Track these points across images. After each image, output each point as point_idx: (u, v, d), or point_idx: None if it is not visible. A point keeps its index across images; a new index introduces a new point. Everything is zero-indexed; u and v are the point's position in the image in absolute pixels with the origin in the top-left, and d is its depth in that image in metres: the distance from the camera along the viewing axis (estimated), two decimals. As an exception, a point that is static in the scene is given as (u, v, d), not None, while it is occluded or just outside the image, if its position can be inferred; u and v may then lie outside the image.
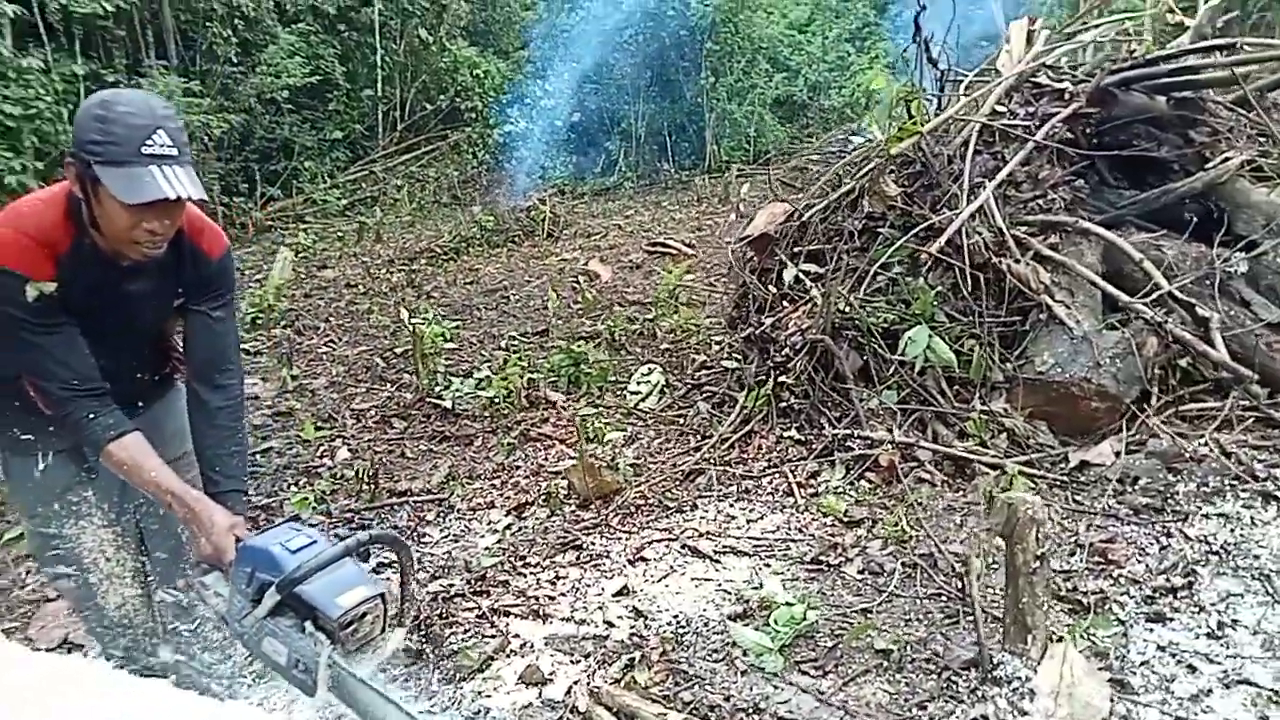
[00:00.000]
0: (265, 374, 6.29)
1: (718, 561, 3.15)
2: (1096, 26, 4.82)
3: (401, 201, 18.79)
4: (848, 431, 3.71)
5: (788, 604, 2.67)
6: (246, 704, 2.31)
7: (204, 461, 2.14)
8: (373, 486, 3.94)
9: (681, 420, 4.46)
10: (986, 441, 3.55)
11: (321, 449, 4.64)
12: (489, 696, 2.47)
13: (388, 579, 2.15)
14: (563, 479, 3.82)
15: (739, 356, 4.59)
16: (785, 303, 4.39)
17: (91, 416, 1.94)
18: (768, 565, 3.09)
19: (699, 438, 4.18)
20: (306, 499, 3.81)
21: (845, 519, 3.31)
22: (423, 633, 2.76)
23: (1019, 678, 2.20)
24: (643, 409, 4.76)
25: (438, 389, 5.11)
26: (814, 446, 3.80)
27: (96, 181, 1.79)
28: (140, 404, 2.22)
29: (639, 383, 5.12)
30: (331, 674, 1.72)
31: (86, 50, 14.46)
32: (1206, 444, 3.31)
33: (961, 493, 3.36)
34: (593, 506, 3.65)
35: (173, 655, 2.38)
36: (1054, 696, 2.08)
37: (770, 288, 4.53)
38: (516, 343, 6.29)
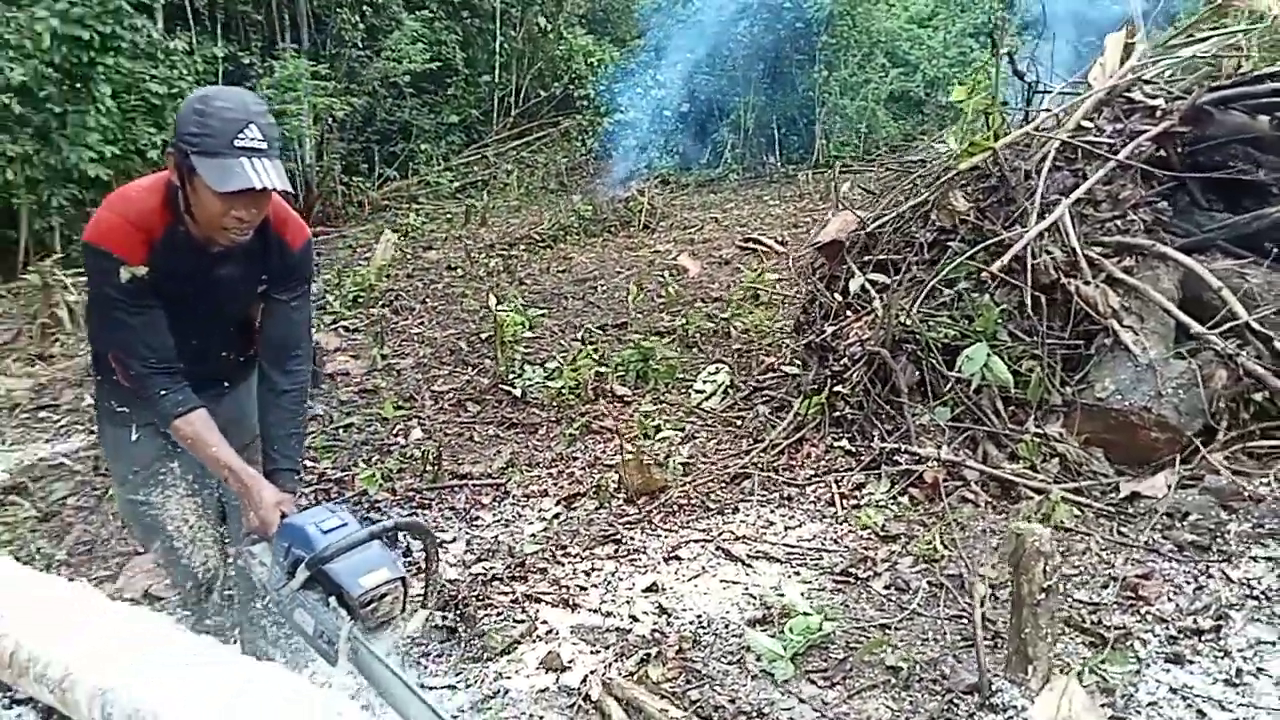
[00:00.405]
0: (358, 352, 6.66)
1: (749, 566, 3.23)
2: (1200, 41, 4.60)
3: (510, 186, 19.30)
4: (896, 446, 3.72)
5: (805, 614, 2.74)
6: (288, 670, 2.53)
7: (265, 439, 2.34)
8: (436, 468, 4.18)
9: (739, 422, 4.53)
10: (1037, 465, 3.50)
11: (397, 428, 4.91)
12: (509, 679, 2.63)
13: (413, 563, 2.33)
14: (614, 473, 3.96)
15: (799, 362, 4.62)
16: (849, 311, 4.40)
17: (164, 393, 2.15)
18: (797, 573, 3.15)
19: (751, 441, 4.24)
20: (374, 476, 4.06)
21: (881, 533, 3.33)
22: (458, 612, 2.94)
23: (1015, 707, 2.22)
24: (705, 408, 4.85)
25: (511, 376, 5.33)
26: (863, 458, 3.82)
27: (193, 171, 1.97)
28: (226, 384, 2.45)
29: (705, 381, 5.21)
30: (351, 647, 1.91)
31: (227, 34, 15.41)
32: (1269, 483, 3.19)
33: (1004, 515, 3.34)
34: (639, 502, 3.78)
35: (241, 617, 2.62)
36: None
37: (836, 295, 4.54)
38: (594, 334, 6.45)
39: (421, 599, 2.29)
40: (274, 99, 14.94)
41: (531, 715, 2.46)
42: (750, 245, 10.06)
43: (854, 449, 3.91)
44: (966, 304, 3.98)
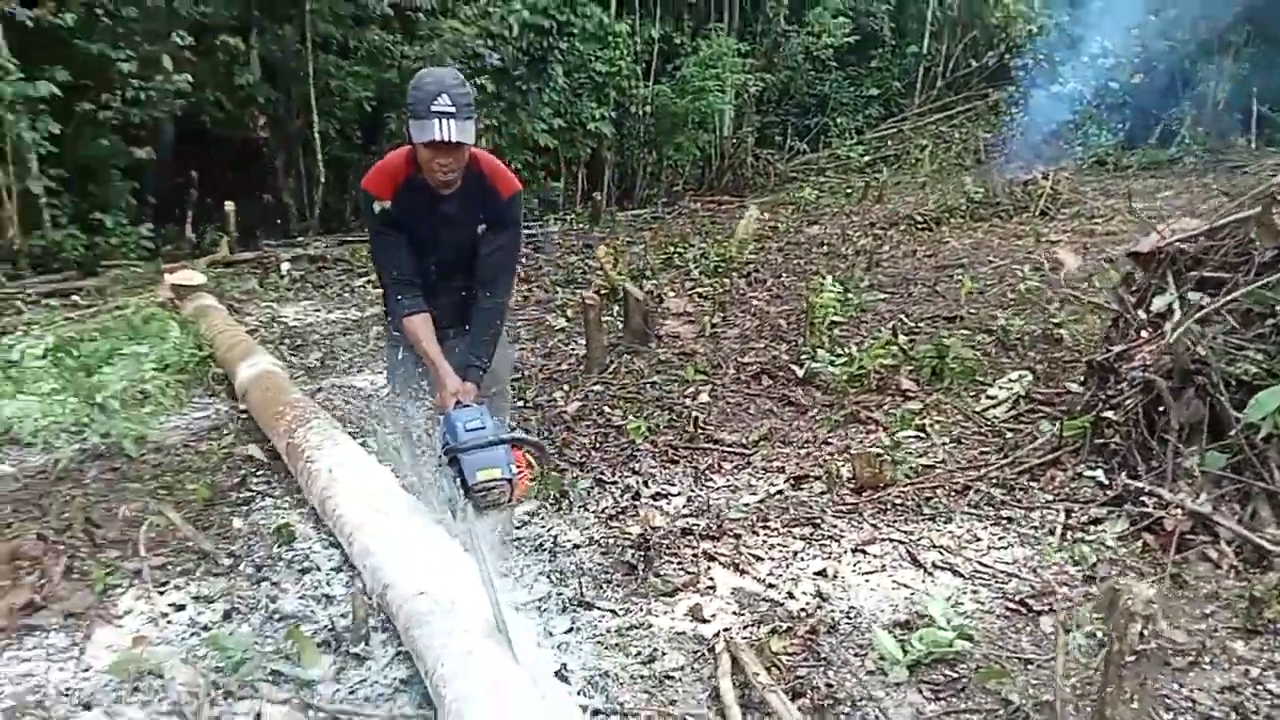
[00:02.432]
0: (697, 318, 7.31)
1: (930, 575, 3.23)
2: None
3: (921, 162, 18.83)
4: (1145, 485, 3.38)
5: (939, 628, 2.75)
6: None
7: (468, 343, 3.02)
8: (692, 430, 4.63)
9: (1010, 435, 4.33)
10: (1315, 539, 2.98)
11: (691, 390, 5.44)
12: (656, 617, 3.03)
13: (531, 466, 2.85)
14: (850, 463, 4.09)
15: (1082, 380, 4.27)
16: (1147, 330, 3.97)
17: (400, 299, 2.98)
18: (975, 593, 3.10)
19: (1003, 455, 4.07)
20: (639, 427, 4.64)
21: (1087, 572, 3.11)
22: (644, 553, 3.39)
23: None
24: (987, 416, 4.69)
25: (803, 357, 5.57)
26: (1110, 493, 3.52)
27: (409, 129, 2.73)
28: (467, 325, 3.15)
29: (1001, 387, 4.99)
30: (464, 517, 2.53)
31: (663, 16, 16.97)
32: None
33: (1246, 583, 2.92)
34: (862, 494, 3.89)
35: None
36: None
37: (1140, 312, 4.11)
38: (914, 325, 6.38)
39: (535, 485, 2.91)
40: (695, 76, 16.18)
41: (657, 650, 2.84)
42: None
43: (1106, 481, 3.60)
44: (1282, 338, 3.42)
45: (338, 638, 2.88)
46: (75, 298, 9.03)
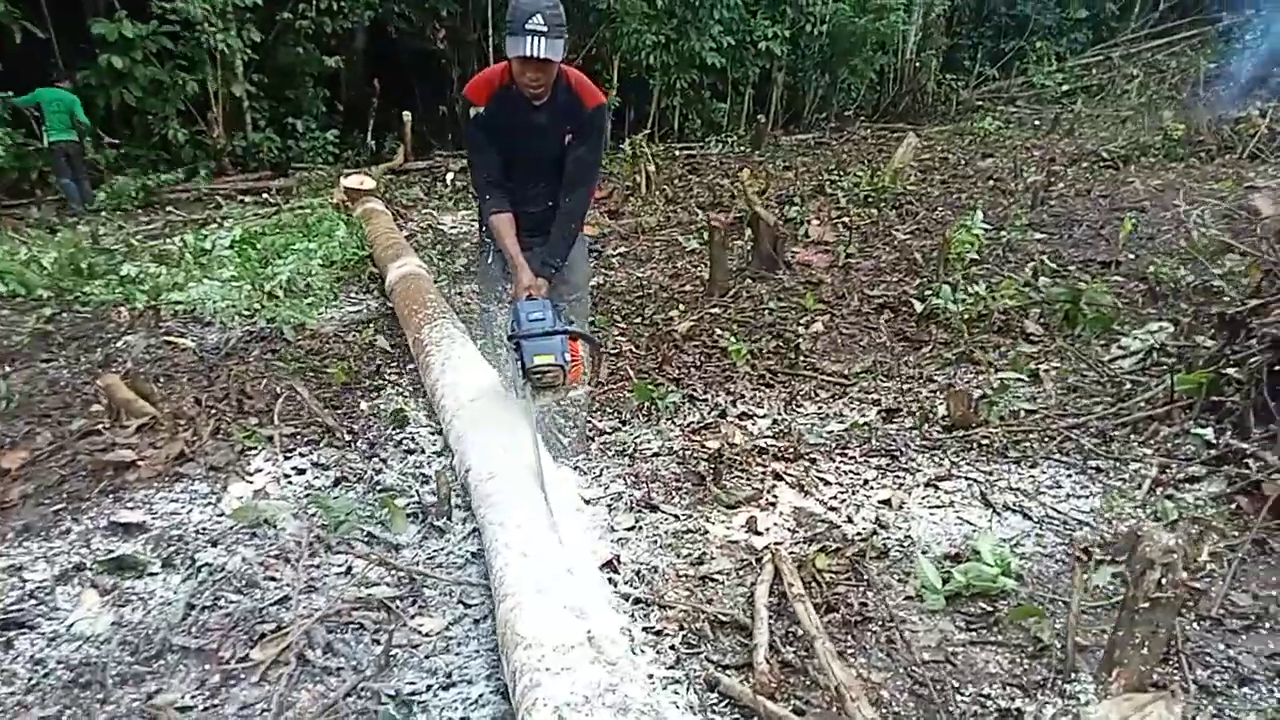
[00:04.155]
0: (833, 247, 7.21)
1: (999, 516, 3.20)
2: None
3: (1128, 93, 17.30)
4: (1251, 448, 3.17)
5: (984, 564, 2.75)
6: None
7: (547, 244, 3.28)
8: (795, 358, 4.67)
9: (1129, 386, 4.12)
10: None
11: (806, 319, 5.45)
12: (713, 524, 3.18)
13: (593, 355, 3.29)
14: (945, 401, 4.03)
15: (1212, 333, 3.97)
16: (1293, 287, 3.65)
17: (487, 198, 3.27)
18: (1039, 536, 3.06)
19: (1114, 404, 3.89)
20: (741, 350, 4.73)
21: (1163, 528, 2.99)
22: (714, 466, 3.53)
23: (1079, 699, 2.11)
24: (1113, 366, 4.46)
25: (926, 293, 5.44)
26: (1213, 452, 3.33)
27: (506, 43, 2.95)
28: (543, 234, 3.35)
29: (1137, 338, 4.72)
30: (523, 395, 2.97)
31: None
32: None
33: (1341, 560, 2.74)
34: (952, 433, 3.84)
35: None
36: (1094, 736, 2.00)
37: (1290, 266, 3.77)
38: (1058, 268, 6.05)
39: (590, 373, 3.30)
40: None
41: (707, 554, 3.00)
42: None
43: (1214, 440, 3.40)
44: None
45: (425, 511, 3.21)
46: (265, 195, 9.96)
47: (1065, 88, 18.08)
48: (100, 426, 3.87)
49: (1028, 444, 3.68)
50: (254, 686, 2.40)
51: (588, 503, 3.29)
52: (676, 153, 14.42)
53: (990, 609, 2.66)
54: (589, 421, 3.95)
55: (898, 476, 3.52)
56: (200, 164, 11.03)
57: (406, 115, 12.01)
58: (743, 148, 14.80)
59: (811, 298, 5.70)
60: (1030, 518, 3.18)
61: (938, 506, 3.29)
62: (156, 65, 10.38)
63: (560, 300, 3.31)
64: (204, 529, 3.16)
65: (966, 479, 3.46)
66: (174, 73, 10.49)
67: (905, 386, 4.43)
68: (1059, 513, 3.18)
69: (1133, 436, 3.63)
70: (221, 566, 2.90)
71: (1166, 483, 3.27)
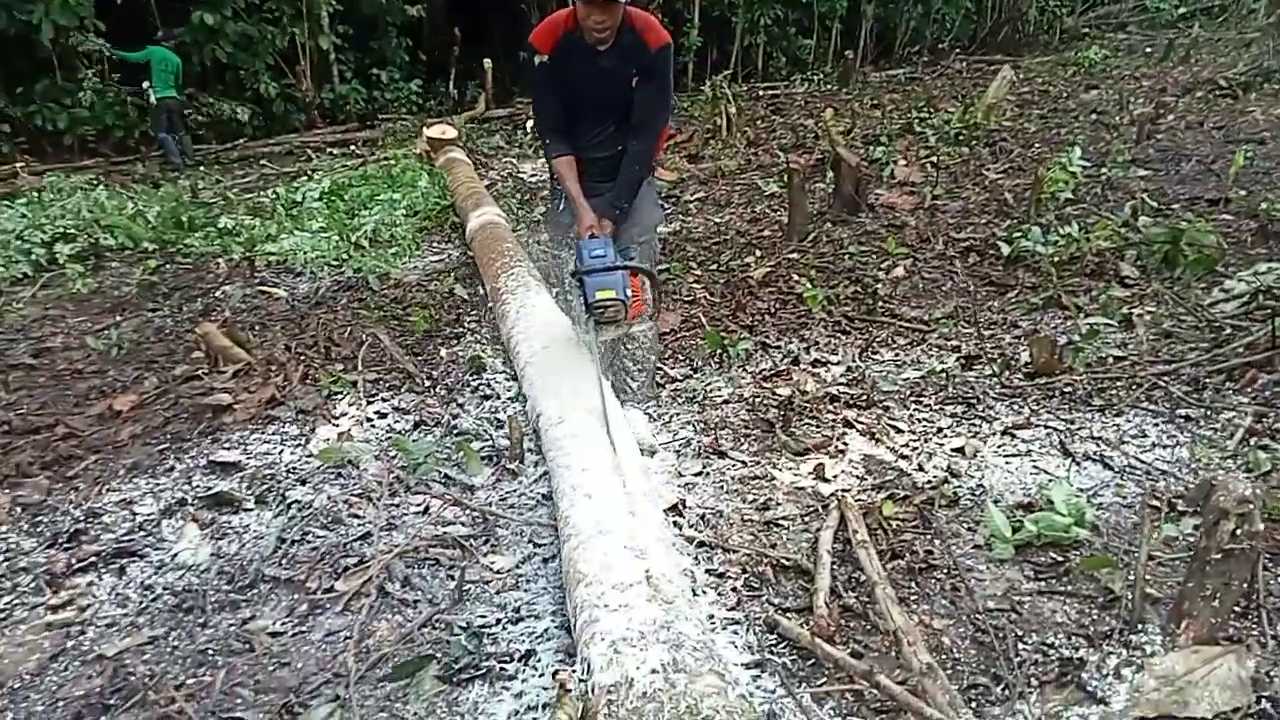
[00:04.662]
0: (918, 190, 7.00)
1: (1078, 465, 3.11)
2: None
3: (1255, 13, 16.15)
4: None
5: (1057, 513, 2.70)
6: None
7: (614, 186, 3.29)
8: (873, 303, 4.58)
9: (1231, 330, 3.92)
10: None
11: (887, 264, 5.33)
12: (780, 471, 3.19)
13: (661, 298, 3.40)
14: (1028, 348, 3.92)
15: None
16: None
17: (549, 143, 3.31)
18: (1119, 486, 2.97)
19: (1210, 350, 3.71)
20: (817, 295, 4.66)
21: (1252, 478, 2.86)
22: (784, 413, 3.52)
23: (1143, 650, 2.07)
24: (1213, 310, 4.24)
25: (1014, 235, 5.24)
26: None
27: None
28: (609, 181, 3.36)
29: (1242, 280, 4.47)
30: (586, 329, 3.09)
31: None
32: None
33: None
34: (1035, 380, 3.74)
35: None
36: (1162, 681, 1.96)
37: None
38: (1169, 207, 5.73)
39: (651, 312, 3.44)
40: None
41: (773, 500, 3.02)
42: None
43: (1322, 391, 3.22)
44: None
45: (498, 454, 3.32)
46: (352, 147, 10.20)
47: (1181, 10, 16.91)
48: (200, 372, 4.09)
49: (1114, 392, 3.55)
50: (338, 615, 2.55)
51: (649, 453, 3.33)
52: (760, 93, 14.12)
53: (1061, 559, 2.61)
54: (659, 367, 3.98)
55: (973, 424, 3.45)
56: (291, 117, 11.35)
57: (487, 63, 12.05)
58: (829, 85, 14.38)
59: (893, 241, 5.56)
60: (1111, 467, 3.08)
61: (1014, 455, 3.22)
62: (246, 20, 10.66)
63: (630, 242, 3.33)
64: (293, 469, 3.34)
65: (1046, 427, 3.37)
66: (262, 27, 10.76)
67: (987, 333, 4.31)
68: (1142, 462, 3.08)
69: (1228, 384, 3.46)
70: (309, 504, 3.07)
71: (1262, 432, 3.12)
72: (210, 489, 3.22)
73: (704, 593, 2.56)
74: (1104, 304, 4.29)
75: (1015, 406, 3.56)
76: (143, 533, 3.02)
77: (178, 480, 3.32)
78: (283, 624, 2.54)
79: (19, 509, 3.25)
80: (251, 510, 3.10)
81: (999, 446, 3.29)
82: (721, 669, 1.87)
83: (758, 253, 5.73)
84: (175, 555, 2.89)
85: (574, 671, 2.00)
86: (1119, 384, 3.60)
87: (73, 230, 6.65)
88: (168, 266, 6.40)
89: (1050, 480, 3.02)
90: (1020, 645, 2.27)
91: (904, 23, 15.81)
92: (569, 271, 3.17)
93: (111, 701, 2.26)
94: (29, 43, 9.72)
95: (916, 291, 4.90)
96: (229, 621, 2.56)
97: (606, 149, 3.30)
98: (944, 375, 3.86)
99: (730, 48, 14.59)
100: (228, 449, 3.48)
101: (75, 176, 8.45)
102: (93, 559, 2.88)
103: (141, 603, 2.67)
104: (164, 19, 10.71)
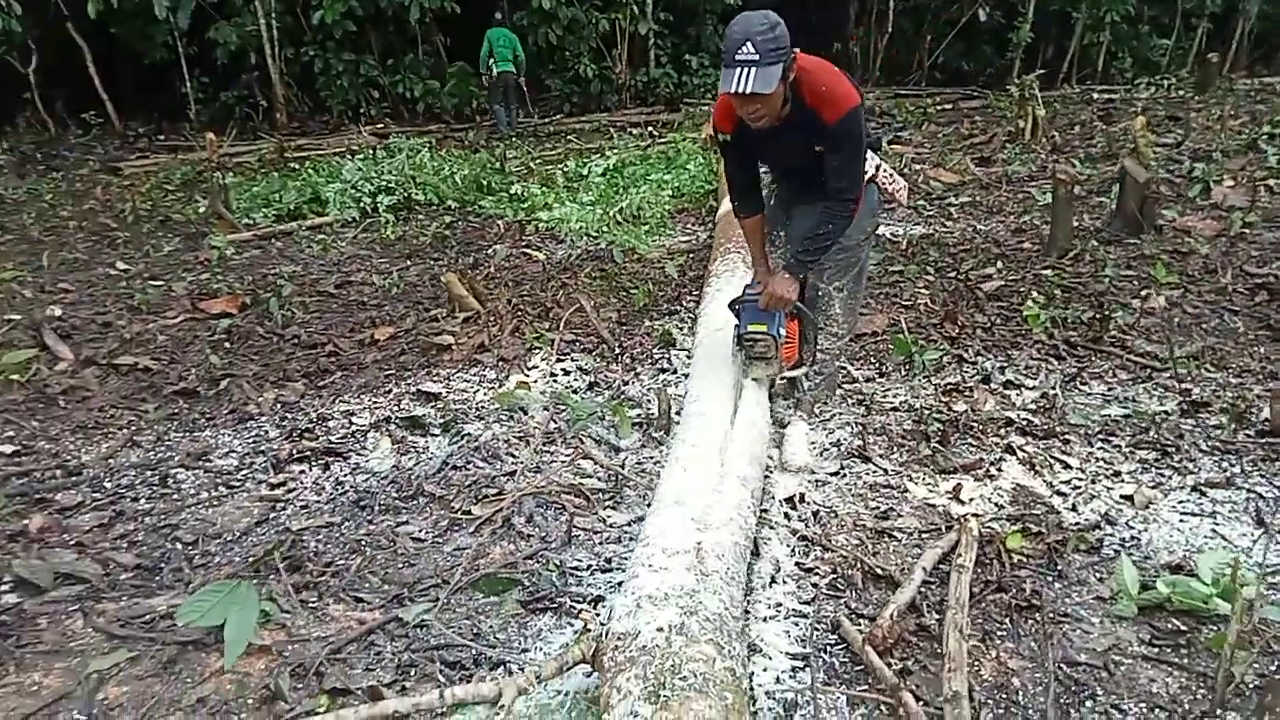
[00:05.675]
0: (1226, 214, 6.15)
1: (1272, 538, 2.71)
2: None
3: None
4: None
5: (1200, 581, 2.39)
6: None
7: (799, 237, 3.23)
8: (1103, 331, 4.16)
9: None
10: None
11: (1147, 293, 4.78)
12: (914, 482, 3.08)
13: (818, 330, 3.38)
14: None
15: None
16: None
17: (738, 204, 3.36)
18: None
19: None
20: (1038, 315, 4.30)
21: None
22: (942, 429, 3.37)
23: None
24: None
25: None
26: None
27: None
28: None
29: None
30: (736, 358, 3.28)
31: None
32: None
33: None
34: (1267, 439, 3.25)
35: None
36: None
37: None
38: None
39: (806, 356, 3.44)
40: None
41: (896, 510, 2.94)
42: None
43: None
44: None
45: (648, 422, 3.53)
46: (650, 129, 10.80)
47: None
48: (439, 315, 4.72)
49: None
50: (469, 535, 2.93)
51: (798, 471, 3.33)
52: (1094, 96, 12.85)
53: (1187, 629, 2.33)
54: (842, 368, 3.95)
55: (1161, 473, 3.09)
56: (605, 97, 12.23)
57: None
58: (1181, 91, 12.73)
59: (1163, 268, 4.96)
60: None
61: (1193, 514, 2.86)
62: (575, 6, 11.64)
63: (828, 260, 3.27)
64: (481, 407, 3.80)
65: (1249, 491, 2.94)
66: (589, 12, 11.68)
67: (1235, 380, 3.78)
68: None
69: None
70: (477, 437, 3.50)
71: None
72: (411, 412, 3.76)
73: (783, 581, 2.60)
74: None
75: (1223, 463, 3.13)
76: (352, 439, 3.62)
77: (391, 401, 3.91)
78: (425, 533, 2.96)
79: (279, 405, 4.02)
80: (436, 435, 3.59)
81: (1180, 502, 2.93)
82: (724, 641, 1.96)
83: (1001, 264, 5.39)
84: (367, 461, 3.44)
85: (598, 615, 2.17)
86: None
87: (394, 185, 7.79)
88: (460, 223, 7.30)
89: (1224, 548, 2.66)
90: (1089, 704, 2.09)
91: (1297, 22, 13.58)
92: (728, 302, 3.28)
93: (281, 566, 2.80)
94: (401, 21, 11.38)
95: (1168, 326, 4.37)
96: (387, 522, 3.03)
97: (805, 199, 3.29)
98: (1153, 418, 3.47)
99: (1067, 44, 13.41)
100: (434, 382, 4.02)
101: (415, 139, 9.81)
102: (309, 453, 3.51)
103: (332, 494, 3.24)
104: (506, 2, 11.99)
